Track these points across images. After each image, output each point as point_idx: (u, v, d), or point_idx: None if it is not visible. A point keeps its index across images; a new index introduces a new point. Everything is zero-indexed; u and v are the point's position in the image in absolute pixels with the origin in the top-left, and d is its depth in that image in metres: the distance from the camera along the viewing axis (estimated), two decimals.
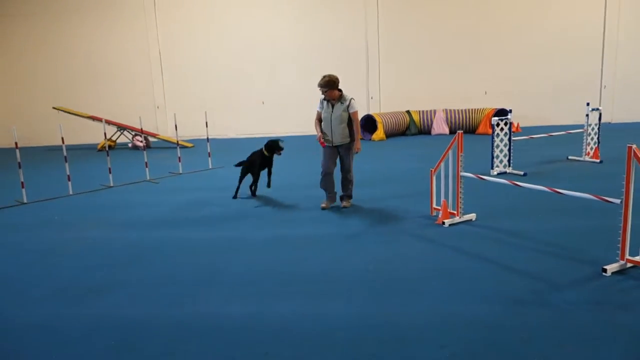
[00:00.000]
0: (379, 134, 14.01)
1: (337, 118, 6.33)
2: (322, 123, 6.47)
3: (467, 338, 3.27)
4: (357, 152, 6.53)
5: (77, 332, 3.59)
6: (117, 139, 14.94)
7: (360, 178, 8.72)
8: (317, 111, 6.55)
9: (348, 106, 6.32)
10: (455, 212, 5.83)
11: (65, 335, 3.56)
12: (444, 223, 5.71)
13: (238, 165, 7.65)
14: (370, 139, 14.03)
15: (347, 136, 6.42)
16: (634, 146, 4.02)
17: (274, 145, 7.28)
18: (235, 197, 7.46)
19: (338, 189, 6.81)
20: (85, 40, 16.46)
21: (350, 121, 6.37)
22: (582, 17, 15.35)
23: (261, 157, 7.33)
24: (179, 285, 4.38)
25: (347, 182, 6.71)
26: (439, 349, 3.15)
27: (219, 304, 3.97)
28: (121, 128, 14.70)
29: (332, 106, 6.36)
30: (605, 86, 15.65)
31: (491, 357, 3.05)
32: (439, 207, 5.94)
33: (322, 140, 6.48)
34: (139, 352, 3.29)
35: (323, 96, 6.39)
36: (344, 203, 6.74)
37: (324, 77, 6.26)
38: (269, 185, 7.39)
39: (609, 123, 15.01)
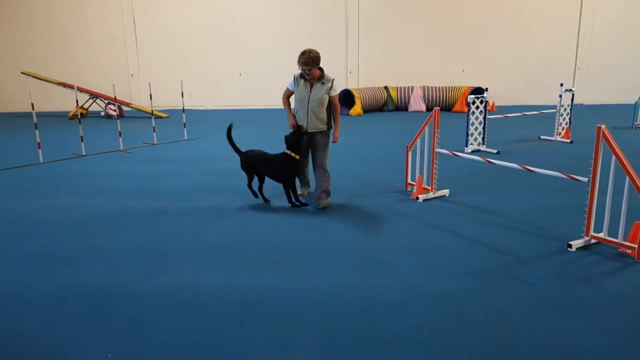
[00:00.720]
0: (357, 109, 14.01)
1: (317, 100, 5.44)
2: (296, 104, 5.58)
3: (437, 309, 3.38)
4: (334, 142, 5.70)
5: (49, 300, 3.57)
6: (89, 107, 14.59)
7: (337, 153, 8.76)
8: (288, 89, 5.68)
9: (330, 88, 5.49)
10: (429, 187, 5.93)
11: (37, 303, 3.53)
12: (418, 198, 5.80)
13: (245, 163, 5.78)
14: (347, 114, 14.02)
15: (324, 122, 5.55)
16: (603, 126, 4.13)
17: (298, 139, 5.43)
18: (264, 197, 5.83)
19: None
20: (56, 3, 15.86)
21: (329, 105, 5.57)
22: None
23: (288, 163, 5.47)
24: (153, 254, 4.37)
25: (323, 175, 5.67)
26: (410, 319, 3.25)
27: (193, 273, 3.98)
28: (93, 96, 14.34)
29: (311, 86, 5.47)
30: (579, 68, 15.89)
31: (459, 327, 3.16)
32: (414, 183, 6.02)
33: (295, 125, 5.55)
34: (111, 319, 3.29)
35: (298, 72, 5.51)
36: (323, 201, 5.64)
37: (305, 52, 5.33)
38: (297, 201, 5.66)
39: (582, 104, 15.30)
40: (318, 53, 5.39)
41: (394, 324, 3.20)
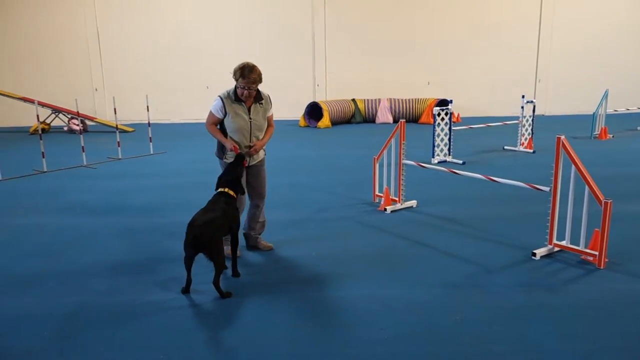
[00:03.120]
0: (325, 121, 14.07)
1: (259, 126, 4.39)
2: (232, 135, 4.34)
3: (405, 320, 3.38)
4: (253, 153, 4.41)
5: (6, 324, 3.42)
6: (51, 122, 14.21)
7: (304, 165, 8.77)
8: (213, 115, 4.34)
9: (270, 108, 4.51)
10: (397, 199, 5.97)
11: None
12: (386, 209, 5.84)
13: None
14: (316, 127, 14.06)
15: (263, 149, 4.60)
16: (562, 137, 4.25)
17: (240, 171, 4.24)
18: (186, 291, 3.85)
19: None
20: (17, 16, 15.45)
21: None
22: (519, 13, 15.94)
23: (223, 210, 3.96)
24: (116, 272, 4.25)
25: (258, 216, 4.70)
26: (379, 332, 3.24)
27: (157, 291, 3.89)
28: (56, 110, 13.98)
29: (249, 110, 4.35)
30: (540, 80, 16.39)
31: (428, 337, 3.17)
32: (382, 194, 6.06)
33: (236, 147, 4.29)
34: (74, 341, 3.18)
35: (225, 93, 4.31)
36: (265, 244, 4.76)
37: (248, 67, 4.15)
38: (236, 273, 4.15)
39: (543, 115, 15.75)
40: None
41: (362, 337, 3.18)
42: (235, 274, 4.14)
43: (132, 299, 3.75)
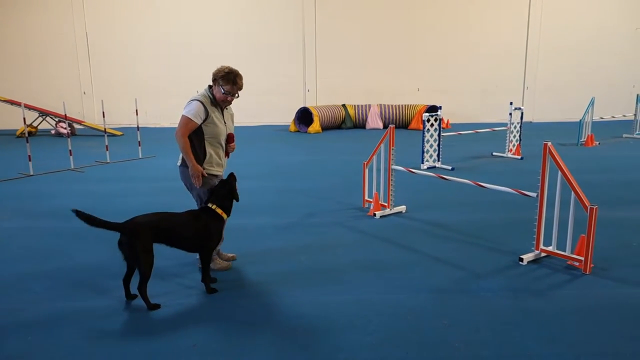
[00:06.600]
0: (315, 126, 14.08)
1: (231, 129, 4.28)
2: (209, 142, 4.07)
3: (393, 325, 3.39)
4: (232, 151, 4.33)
5: None
6: (38, 125, 14.08)
7: (295, 170, 8.77)
8: (192, 122, 3.94)
9: (233, 113, 4.39)
10: (386, 204, 5.99)
11: None
12: (375, 215, 5.85)
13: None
14: (306, 132, 14.08)
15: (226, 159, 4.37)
16: (549, 144, 4.29)
17: (232, 190, 4.03)
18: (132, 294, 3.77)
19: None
20: (4, 18, 15.31)
21: None
22: (507, 22, 16.13)
23: (215, 222, 3.95)
24: (102, 276, 4.21)
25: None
26: (367, 336, 3.24)
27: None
28: (43, 114, 13.85)
29: (222, 112, 4.15)
30: (527, 87, 16.58)
31: (416, 342, 3.18)
32: (371, 199, 6.07)
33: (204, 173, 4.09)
34: (60, 348, 3.14)
35: (200, 96, 4.04)
36: (229, 255, 4.56)
37: (235, 72, 4.03)
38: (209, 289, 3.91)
39: (530, 122, 15.91)
40: None
41: (350, 341, 3.18)
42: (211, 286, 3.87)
43: (119, 304, 3.71)
